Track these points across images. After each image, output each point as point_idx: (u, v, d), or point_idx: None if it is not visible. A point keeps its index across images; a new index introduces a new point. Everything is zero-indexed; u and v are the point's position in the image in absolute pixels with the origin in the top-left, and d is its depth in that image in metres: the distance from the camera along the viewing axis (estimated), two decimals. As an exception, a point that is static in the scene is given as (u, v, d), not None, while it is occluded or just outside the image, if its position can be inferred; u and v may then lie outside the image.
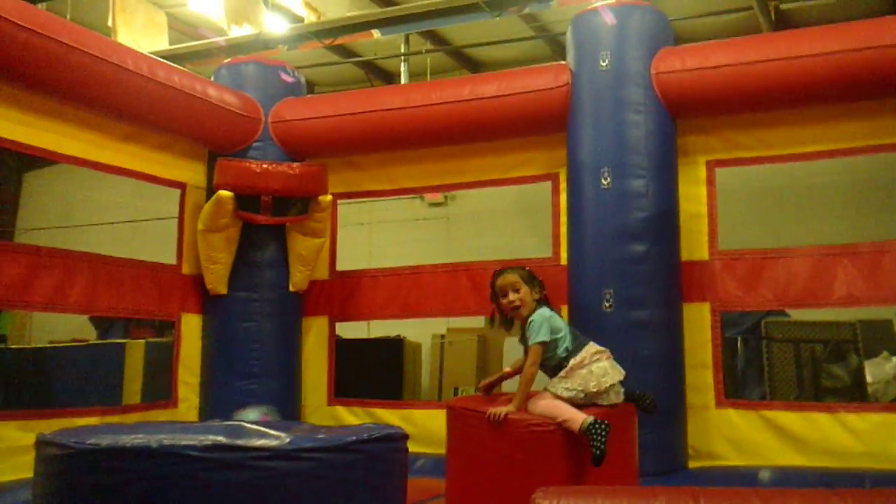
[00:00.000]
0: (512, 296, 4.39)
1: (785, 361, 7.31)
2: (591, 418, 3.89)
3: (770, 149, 5.88)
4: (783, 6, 9.19)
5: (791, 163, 6.23)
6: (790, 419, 5.56)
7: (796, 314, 7.42)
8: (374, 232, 11.44)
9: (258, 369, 6.47)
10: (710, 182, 5.95)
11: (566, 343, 4.27)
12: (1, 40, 4.90)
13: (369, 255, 10.59)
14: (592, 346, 4.29)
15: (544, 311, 4.35)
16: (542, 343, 4.21)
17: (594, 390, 4.12)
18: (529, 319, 4.33)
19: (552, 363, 4.26)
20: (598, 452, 3.76)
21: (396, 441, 2.61)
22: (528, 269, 4.53)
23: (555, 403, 4.04)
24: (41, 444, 2.51)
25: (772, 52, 5.52)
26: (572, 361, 4.20)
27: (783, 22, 9.28)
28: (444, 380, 9.78)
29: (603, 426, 3.83)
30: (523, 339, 4.40)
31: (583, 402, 4.09)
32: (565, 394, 4.09)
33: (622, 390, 4.28)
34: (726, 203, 6.19)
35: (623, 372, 4.30)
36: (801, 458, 5.43)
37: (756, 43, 5.79)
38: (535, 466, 3.85)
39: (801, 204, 9.49)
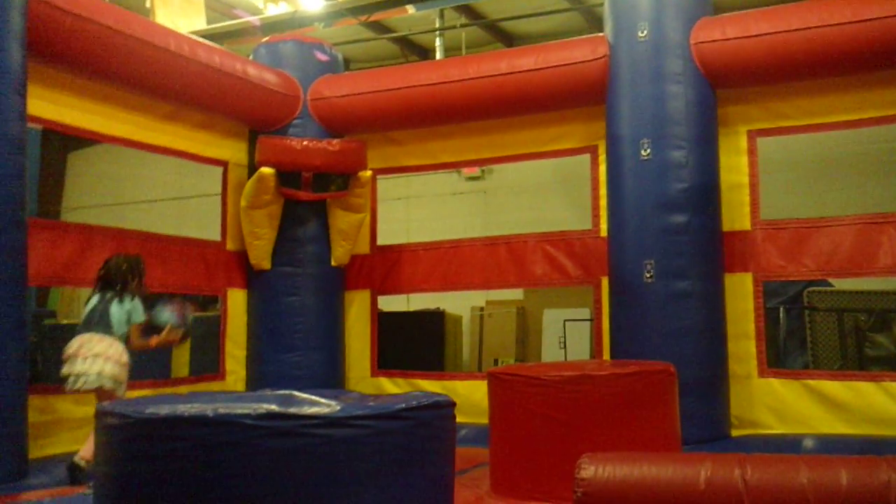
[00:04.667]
0: None
1: (828, 331, 7.25)
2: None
3: (812, 117, 5.82)
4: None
5: (834, 131, 6.16)
6: (833, 388, 5.55)
7: (839, 283, 7.35)
8: (411, 206, 11.48)
9: (302, 342, 6.59)
10: (752, 152, 5.91)
11: None
12: (48, 25, 5.01)
13: (407, 229, 10.63)
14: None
15: None
16: None
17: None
18: None
19: None
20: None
21: (444, 408, 2.64)
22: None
23: None
24: (101, 414, 2.57)
25: (813, 20, 5.44)
26: None
27: (826, -13, 9.08)
28: (484, 351, 9.84)
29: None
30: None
31: None
32: None
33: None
34: (768, 173, 6.14)
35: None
36: (845, 426, 5.43)
37: (797, 11, 5.70)
38: (575, 428, 3.89)
39: (845, 173, 9.34)
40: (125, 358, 4.83)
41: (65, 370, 4.70)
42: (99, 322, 4.80)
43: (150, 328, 5.07)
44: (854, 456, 2.72)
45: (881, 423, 5.33)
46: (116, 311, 4.84)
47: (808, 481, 2.51)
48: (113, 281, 4.92)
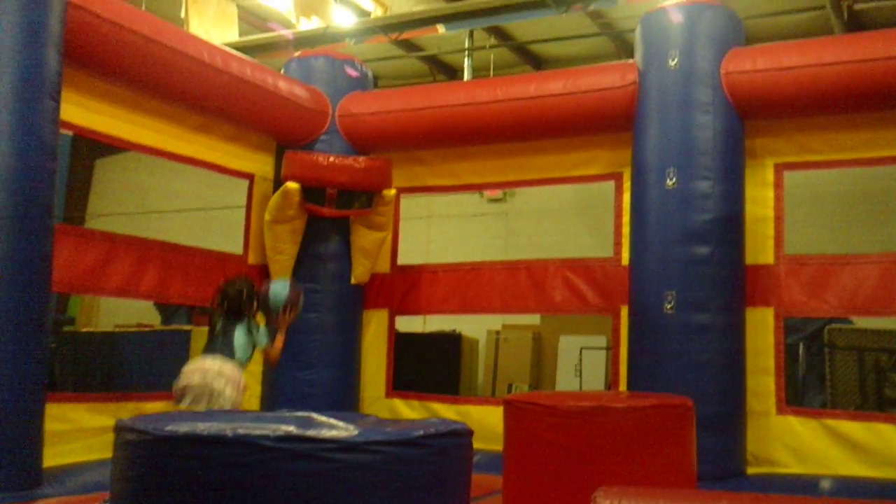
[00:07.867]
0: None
1: (847, 369, 7.18)
2: None
3: (840, 152, 5.78)
4: (856, 6, 8.98)
5: (861, 167, 6.13)
6: (853, 428, 5.47)
7: (861, 321, 7.28)
8: (432, 226, 11.50)
9: (318, 360, 6.57)
10: (778, 185, 5.87)
11: None
12: (84, 32, 5.06)
13: (427, 249, 10.65)
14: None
15: None
16: None
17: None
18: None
19: None
20: None
21: (462, 437, 2.63)
22: None
23: None
24: (120, 429, 2.59)
25: (844, 55, 5.42)
26: None
27: (855, 22, 9.07)
28: (499, 376, 9.80)
29: None
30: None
31: None
32: None
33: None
34: (793, 207, 6.10)
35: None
36: (864, 468, 5.34)
37: (829, 45, 5.69)
38: (591, 460, 3.86)
39: (871, 209, 9.28)
40: (243, 383, 5.00)
41: (181, 383, 4.89)
42: (223, 346, 4.99)
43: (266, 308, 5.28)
44: (872, 500, 2.67)
45: (900, 467, 5.26)
46: (240, 336, 5.05)
47: (828, 528, 2.47)
48: (237, 309, 5.11)
